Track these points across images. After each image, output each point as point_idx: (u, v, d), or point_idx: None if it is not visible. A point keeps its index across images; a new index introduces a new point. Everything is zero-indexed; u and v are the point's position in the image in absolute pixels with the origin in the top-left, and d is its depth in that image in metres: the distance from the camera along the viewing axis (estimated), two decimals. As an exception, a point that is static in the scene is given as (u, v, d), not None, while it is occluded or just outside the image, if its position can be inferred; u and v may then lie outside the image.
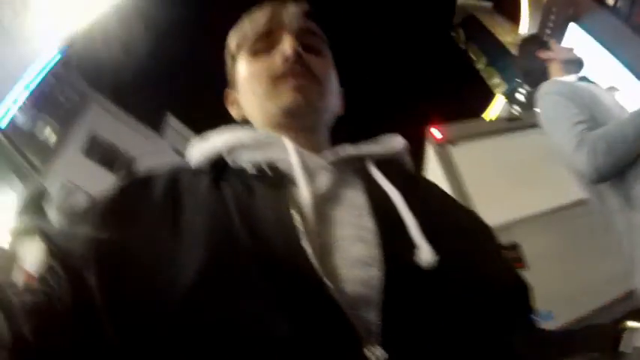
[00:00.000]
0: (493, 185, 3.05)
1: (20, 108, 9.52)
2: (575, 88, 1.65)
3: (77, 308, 0.47)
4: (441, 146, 3.18)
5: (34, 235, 0.54)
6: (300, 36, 0.71)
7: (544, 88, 1.73)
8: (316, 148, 0.68)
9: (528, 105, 13.37)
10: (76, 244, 0.51)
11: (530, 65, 1.91)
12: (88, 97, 14.85)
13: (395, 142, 0.73)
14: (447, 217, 0.63)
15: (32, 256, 0.52)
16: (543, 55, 1.85)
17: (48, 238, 0.53)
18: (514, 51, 12.62)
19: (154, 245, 0.50)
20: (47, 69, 10.03)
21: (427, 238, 0.52)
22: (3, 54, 8.04)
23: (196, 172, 0.63)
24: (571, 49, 1.89)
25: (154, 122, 17.36)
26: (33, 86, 9.58)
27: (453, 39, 20.86)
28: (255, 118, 0.74)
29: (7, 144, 7.65)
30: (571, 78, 1.75)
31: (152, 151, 16.37)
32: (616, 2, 10.15)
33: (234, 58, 0.78)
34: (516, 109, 14.39)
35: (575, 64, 1.83)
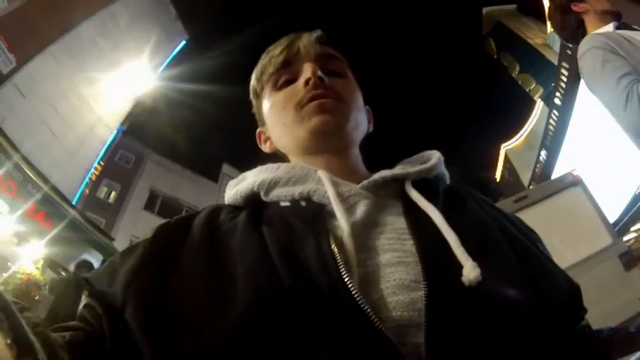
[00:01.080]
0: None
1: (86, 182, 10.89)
2: (614, 37, 1.55)
3: (115, 344, 0.49)
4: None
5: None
6: (320, 61, 0.74)
7: (582, 45, 1.65)
8: (351, 170, 0.71)
9: (567, 107, 13.06)
10: (117, 283, 0.53)
11: (566, 20, 1.82)
12: (144, 157, 16.37)
13: (431, 158, 0.73)
14: (490, 227, 0.61)
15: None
16: (577, 7, 1.77)
17: (88, 280, 0.57)
18: (545, 53, 12.02)
19: (194, 285, 0.51)
20: (107, 146, 11.48)
21: (471, 253, 0.51)
22: (70, 144, 9.54)
23: (234, 211, 0.64)
24: (606, 1, 1.76)
25: (210, 172, 18.89)
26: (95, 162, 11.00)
27: (485, 50, 20.38)
28: (287, 147, 0.76)
29: (80, 219, 8.83)
30: (609, 27, 1.66)
31: (211, 200, 17.73)
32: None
33: (258, 96, 0.81)
34: (555, 114, 14.00)
35: (611, 13, 1.73)
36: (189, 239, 0.58)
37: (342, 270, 0.48)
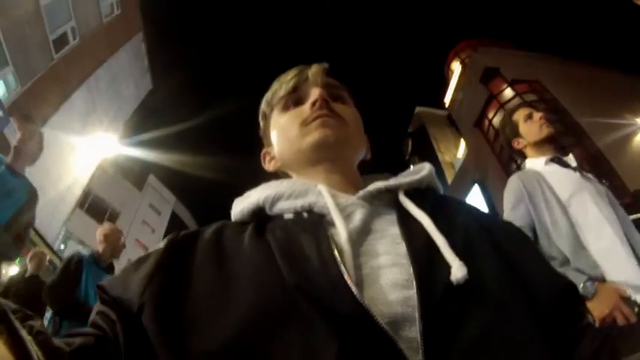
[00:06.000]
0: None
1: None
2: (531, 184, 2.08)
3: (129, 348, 0.57)
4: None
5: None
6: (327, 88, 0.90)
7: (508, 183, 2.20)
8: (348, 184, 0.84)
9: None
10: (132, 289, 0.62)
11: (510, 149, 2.41)
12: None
13: (422, 170, 0.85)
14: (477, 230, 0.72)
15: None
16: (517, 145, 2.35)
17: (102, 287, 0.65)
18: (447, 173, 18.16)
19: (203, 289, 0.61)
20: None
21: (459, 254, 0.60)
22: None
23: (240, 225, 0.76)
24: (542, 126, 2.29)
25: (138, 181, 22.56)
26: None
27: (401, 149, 22.73)
28: (289, 161, 0.91)
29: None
30: (541, 162, 2.21)
31: (132, 204, 21.56)
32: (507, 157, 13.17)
33: (266, 117, 0.98)
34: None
35: (544, 141, 2.27)
36: (198, 249, 0.69)
37: (343, 270, 0.58)
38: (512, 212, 2.08)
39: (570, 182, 2.07)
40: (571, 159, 2.24)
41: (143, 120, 18.36)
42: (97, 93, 14.62)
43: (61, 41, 12.47)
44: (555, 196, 2.02)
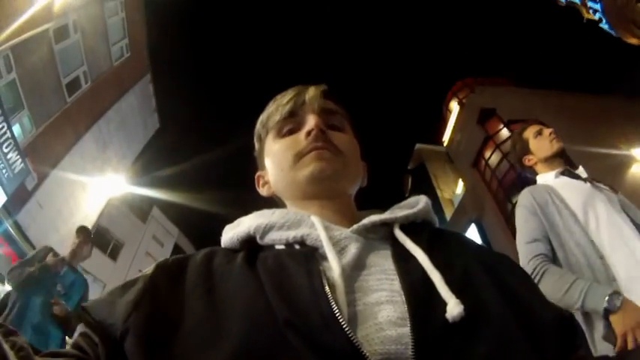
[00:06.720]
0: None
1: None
2: (542, 197, 2.14)
3: None
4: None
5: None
6: (323, 115, 0.90)
7: (519, 198, 2.24)
8: (343, 216, 0.83)
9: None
10: (117, 314, 0.62)
11: (521, 167, 2.49)
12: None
13: (418, 203, 0.86)
14: (474, 266, 0.71)
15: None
16: (527, 162, 2.42)
17: (85, 309, 0.65)
18: (446, 209, 19.34)
19: (190, 319, 0.60)
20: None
21: (455, 291, 0.60)
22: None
23: (230, 254, 0.75)
24: (552, 141, 2.37)
25: (141, 213, 23.12)
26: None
27: (401, 185, 22.58)
28: (283, 191, 0.91)
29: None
30: (551, 176, 2.27)
31: (136, 236, 22.00)
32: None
33: (261, 140, 0.98)
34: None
35: (555, 156, 2.34)
36: (186, 277, 0.68)
37: (334, 307, 0.56)
38: (525, 225, 2.13)
39: (581, 192, 2.13)
40: (581, 171, 2.30)
41: (150, 157, 18.98)
42: (107, 134, 15.07)
43: (73, 85, 12.90)
44: (567, 206, 2.07)
